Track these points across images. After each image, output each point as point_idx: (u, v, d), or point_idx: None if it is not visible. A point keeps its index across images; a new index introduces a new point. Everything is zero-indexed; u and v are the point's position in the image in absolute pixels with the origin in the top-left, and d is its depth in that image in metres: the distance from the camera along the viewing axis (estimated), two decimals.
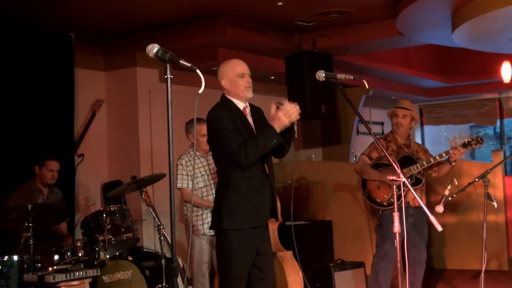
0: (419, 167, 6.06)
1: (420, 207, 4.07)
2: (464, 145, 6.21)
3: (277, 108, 4.29)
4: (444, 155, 6.13)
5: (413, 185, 5.82)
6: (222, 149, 4.36)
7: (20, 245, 5.84)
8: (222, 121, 4.35)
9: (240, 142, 4.24)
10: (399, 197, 6.01)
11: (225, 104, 4.49)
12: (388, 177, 4.35)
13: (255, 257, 4.46)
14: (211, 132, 4.48)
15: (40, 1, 6.57)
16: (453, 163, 6.21)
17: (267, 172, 4.49)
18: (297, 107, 4.25)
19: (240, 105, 4.47)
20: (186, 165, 6.00)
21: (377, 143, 4.55)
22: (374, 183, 6.22)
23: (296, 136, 4.41)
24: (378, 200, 6.17)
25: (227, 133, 4.30)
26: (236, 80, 4.43)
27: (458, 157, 6.15)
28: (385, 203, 6.12)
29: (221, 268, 4.52)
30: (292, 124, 4.32)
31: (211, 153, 6.26)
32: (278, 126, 4.23)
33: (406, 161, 6.12)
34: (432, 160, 6.12)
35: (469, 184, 5.26)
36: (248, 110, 4.48)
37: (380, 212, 6.18)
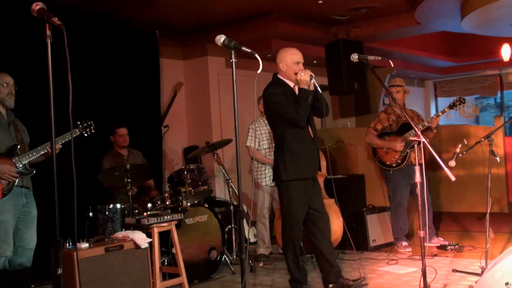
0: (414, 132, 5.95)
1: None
2: (450, 106, 6.06)
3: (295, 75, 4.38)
4: (426, 124, 5.99)
5: (412, 146, 5.65)
6: (281, 117, 4.37)
7: (121, 196, 5.94)
8: (277, 95, 4.39)
9: (293, 108, 4.30)
10: (405, 158, 5.98)
11: (277, 82, 4.51)
12: (410, 138, 4.29)
13: (311, 202, 4.52)
14: (268, 105, 4.49)
15: (133, 5, 6.62)
16: (434, 130, 6.07)
17: (312, 135, 4.51)
18: (307, 69, 4.32)
19: (291, 84, 4.49)
20: (255, 129, 6.14)
21: (403, 112, 4.45)
22: (382, 150, 6.18)
23: (320, 91, 4.34)
24: (388, 163, 6.16)
25: (284, 103, 4.35)
26: (292, 66, 4.43)
27: (435, 123, 5.98)
28: (394, 165, 6.09)
29: (283, 211, 4.58)
30: (315, 85, 4.30)
31: None
32: (304, 85, 4.29)
33: (404, 127, 6.06)
34: (420, 127, 5.95)
35: (477, 143, 5.11)
36: (296, 88, 4.47)
37: (391, 172, 6.13)
